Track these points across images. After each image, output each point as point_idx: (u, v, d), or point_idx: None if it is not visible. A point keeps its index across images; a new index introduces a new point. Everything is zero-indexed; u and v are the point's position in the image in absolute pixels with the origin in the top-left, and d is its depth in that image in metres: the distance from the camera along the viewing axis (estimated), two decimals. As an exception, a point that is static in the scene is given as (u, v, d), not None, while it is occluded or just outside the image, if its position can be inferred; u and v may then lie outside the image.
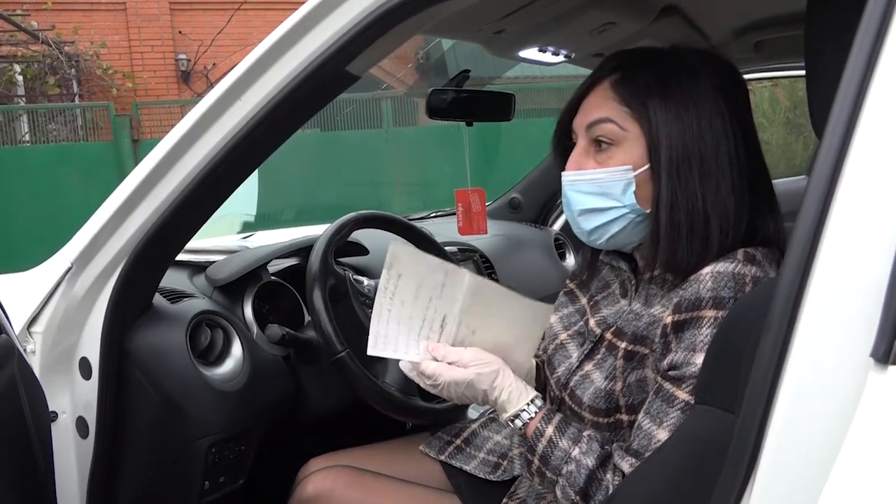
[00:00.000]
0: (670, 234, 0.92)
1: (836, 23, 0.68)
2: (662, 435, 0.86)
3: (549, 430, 0.95)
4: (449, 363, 0.98)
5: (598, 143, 0.97)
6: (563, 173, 1.01)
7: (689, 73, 0.94)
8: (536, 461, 0.95)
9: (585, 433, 0.95)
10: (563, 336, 1.08)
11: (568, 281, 1.16)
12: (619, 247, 1.01)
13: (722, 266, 0.88)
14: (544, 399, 1.02)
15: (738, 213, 0.92)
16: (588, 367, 1.00)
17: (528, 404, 0.97)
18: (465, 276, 1.00)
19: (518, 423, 0.97)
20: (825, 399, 0.49)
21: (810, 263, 0.51)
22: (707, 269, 0.88)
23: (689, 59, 0.96)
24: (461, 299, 0.99)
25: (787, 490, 0.50)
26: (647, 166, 0.94)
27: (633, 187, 0.95)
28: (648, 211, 0.95)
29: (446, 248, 1.71)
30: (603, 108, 0.96)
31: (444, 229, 2.02)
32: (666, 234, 0.92)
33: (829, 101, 0.54)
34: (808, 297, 0.50)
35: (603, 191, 0.96)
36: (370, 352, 1.01)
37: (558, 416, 0.97)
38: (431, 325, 1.00)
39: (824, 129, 0.53)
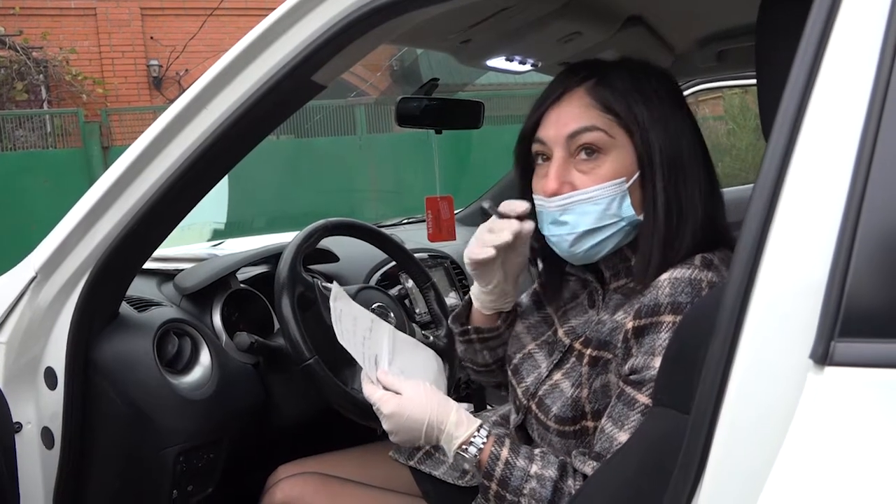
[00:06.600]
0: (666, 237, 0.92)
1: (784, 32, 0.70)
2: (623, 437, 0.87)
3: (504, 453, 0.93)
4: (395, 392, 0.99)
5: (586, 152, 0.93)
6: (548, 199, 0.95)
7: (658, 82, 0.96)
8: (494, 486, 0.93)
9: (538, 451, 0.95)
10: (532, 346, 1.08)
11: (536, 285, 1.17)
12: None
13: (679, 272, 0.89)
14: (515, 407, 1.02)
15: (707, 217, 0.94)
16: (557, 376, 1.00)
17: (476, 432, 0.94)
18: (386, 330, 1.11)
19: (472, 449, 0.93)
20: (768, 399, 0.51)
21: (756, 267, 0.52)
22: (665, 276, 0.90)
23: (651, 70, 0.98)
24: (385, 348, 1.08)
25: (734, 487, 0.51)
26: (637, 174, 0.93)
27: (628, 199, 0.93)
28: (641, 217, 0.94)
29: (417, 255, 1.71)
30: (584, 116, 0.93)
31: (415, 236, 2.02)
32: (662, 237, 0.92)
33: (777, 109, 0.55)
34: (753, 300, 0.52)
35: (601, 208, 0.93)
36: (340, 340, 1.04)
37: (509, 440, 0.96)
38: (369, 361, 1.05)
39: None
